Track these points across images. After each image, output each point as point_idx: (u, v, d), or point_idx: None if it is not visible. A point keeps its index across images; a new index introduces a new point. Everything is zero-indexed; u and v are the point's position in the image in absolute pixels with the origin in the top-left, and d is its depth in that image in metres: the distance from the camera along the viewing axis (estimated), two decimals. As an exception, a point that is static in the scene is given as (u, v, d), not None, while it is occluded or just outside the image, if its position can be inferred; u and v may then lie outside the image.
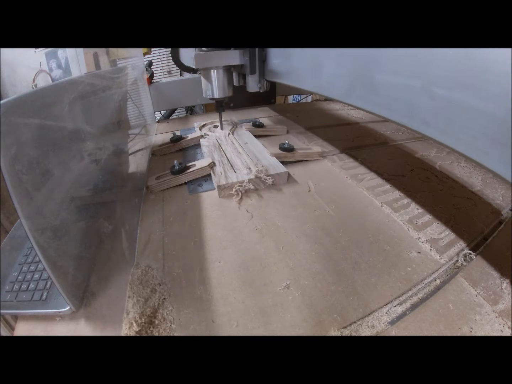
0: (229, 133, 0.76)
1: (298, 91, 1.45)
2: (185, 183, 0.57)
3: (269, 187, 0.55)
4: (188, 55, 0.95)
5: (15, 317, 0.34)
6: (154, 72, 1.05)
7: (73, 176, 0.36)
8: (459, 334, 0.29)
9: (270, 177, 0.53)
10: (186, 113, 1.90)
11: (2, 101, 0.23)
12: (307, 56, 0.49)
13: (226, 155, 0.64)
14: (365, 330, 0.30)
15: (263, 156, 0.61)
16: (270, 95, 1.15)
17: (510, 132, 0.21)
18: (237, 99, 1.05)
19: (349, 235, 0.43)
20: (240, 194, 0.52)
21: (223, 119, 0.86)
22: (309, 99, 1.81)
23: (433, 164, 0.66)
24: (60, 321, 0.32)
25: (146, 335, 0.29)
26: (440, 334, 0.29)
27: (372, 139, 0.80)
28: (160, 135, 0.88)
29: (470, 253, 0.39)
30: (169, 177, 0.55)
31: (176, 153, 0.72)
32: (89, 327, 0.31)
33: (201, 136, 0.75)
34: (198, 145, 0.74)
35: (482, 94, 0.23)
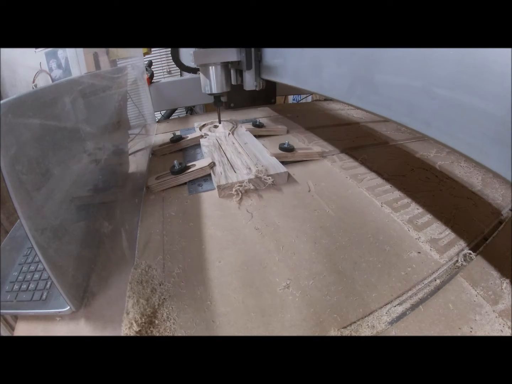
0: (229, 133, 0.76)
1: (298, 91, 1.45)
2: (185, 183, 0.57)
3: (269, 187, 0.55)
4: (188, 55, 0.95)
5: (15, 317, 0.34)
6: (154, 72, 1.05)
7: (73, 176, 0.36)
8: (459, 334, 0.29)
9: (270, 177, 0.53)
10: (186, 113, 1.90)
11: (2, 101, 0.23)
12: (301, 56, 0.50)
13: (226, 155, 0.64)
14: (365, 330, 0.30)
15: (263, 156, 0.61)
16: (270, 95, 1.15)
17: (510, 132, 0.21)
18: (237, 99, 1.05)
19: (349, 235, 0.43)
20: (240, 194, 0.52)
21: (223, 119, 0.86)
22: (309, 99, 1.81)
23: (433, 164, 0.66)
24: (60, 321, 0.32)
25: (146, 335, 0.29)
26: (440, 334, 0.29)
27: (372, 139, 0.80)
28: (160, 135, 0.88)
29: (470, 253, 0.39)
30: (169, 177, 0.55)
31: (176, 153, 0.72)
32: (89, 327, 0.31)
33: (201, 136, 0.75)
34: (198, 145, 0.74)
35: (482, 94, 0.23)
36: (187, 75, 1.03)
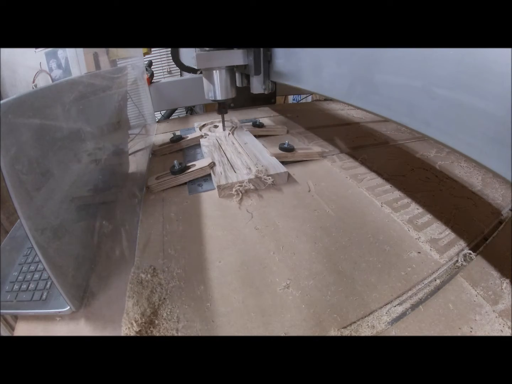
0: (229, 133, 0.76)
1: (298, 91, 1.45)
2: (185, 183, 0.57)
3: (269, 187, 0.55)
4: (188, 55, 0.95)
5: (15, 317, 0.34)
6: (154, 72, 1.05)
7: (73, 176, 0.36)
8: (459, 334, 0.29)
9: (270, 177, 0.53)
10: (186, 113, 1.90)
11: (2, 101, 0.23)
12: (320, 56, 0.45)
13: (226, 155, 0.64)
14: (365, 330, 0.30)
15: (263, 156, 0.61)
16: (270, 95, 1.15)
17: (510, 132, 0.21)
18: (237, 99, 1.05)
19: (349, 235, 0.43)
20: (240, 194, 0.52)
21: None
22: (309, 99, 1.81)
23: (433, 164, 0.66)
24: (60, 321, 0.32)
25: (146, 335, 0.29)
26: (440, 334, 0.29)
27: (372, 139, 0.80)
28: (160, 135, 0.88)
29: (470, 253, 0.39)
30: (169, 177, 0.55)
31: (176, 153, 0.72)
32: (89, 327, 0.31)
33: (201, 136, 0.75)
34: (198, 145, 0.74)
35: (482, 94, 0.23)
36: (187, 75, 1.03)
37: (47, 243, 0.28)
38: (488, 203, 0.52)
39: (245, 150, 0.65)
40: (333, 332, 0.29)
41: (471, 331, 0.29)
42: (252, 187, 0.53)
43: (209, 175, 0.58)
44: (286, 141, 0.65)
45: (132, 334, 0.28)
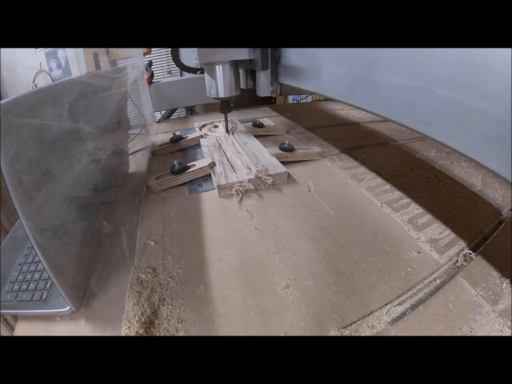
0: (229, 133, 0.76)
1: (298, 91, 1.45)
2: (185, 183, 0.57)
3: (269, 187, 0.55)
4: (188, 55, 0.95)
5: (15, 317, 0.34)
6: (154, 72, 1.05)
7: (73, 176, 0.36)
8: (459, 334, 0.29)
9: (270, 177, 0.53)
10: (186, 113, 1.90)
11: (2, 101, 0.23)
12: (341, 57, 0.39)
13: (226, 155, 0.64)
14: (365, 330, 0.30)
15: (263, 156, 0.61)
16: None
17: (510, 132, 0.21)
18: (237, 99, 1.05)
19: (349, 235, 0.43)
20: (240, 194, 0.52)
21: (223, 119, 0.86)
22: (309, 99, 1.81)
23: (433, 164, 0.66)
24: (60, 321, 0.32)
25: (146, 335, 0.29)
26: (440, 334, 0.29)
27: (372, 139, 0.80)
28: (160, 135, 0.88)
29: (470, 253, 0.39)
30: (169, 177, 0.55)
31: (176, 153, 0.72)
32: (89, 327, 0.31)
33: (201, 136, 0.75)
34: (198, 145, 0.74)
35: (482, 94, 0.23)
36: (187, 75, 1.03)
37: (47, 243, 0.28)
38: (488, 203, 0.52)
39: (245, 150, 0.65)
40: (333, 332, 0.29)
41: (471, 331, 0.29)
42: (252, 187, 0.53)
43: (209, 175, 0.58)
44: (286, 141, 0.65)
45: (132, 334, 0.28)
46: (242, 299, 0.33)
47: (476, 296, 0.33)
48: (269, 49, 0.55)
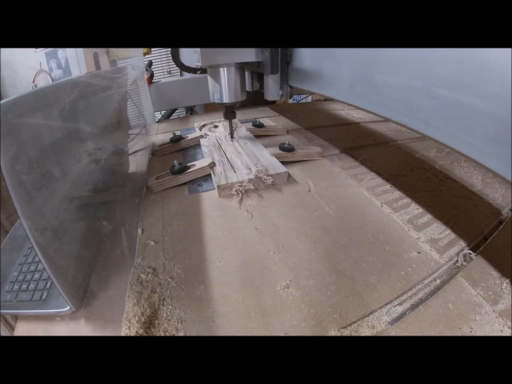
0: (229, 133, 0.76)
1: (298, 91, 1.45)
2: (185, 183, 0.57)
3: (269, 187, 0.55)
4: (188, 55, 0.95)
5: (15, 317, 0.34)
6: (154, 72, 1.05)
7: (73, 176, 0.36)
8: (459, 334, 0.29)
9: (270, 177, 0.53)
10: (186, 113, 1.90)
11: (2, 101, 0.23)
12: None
13: (226, 155, 0.64)
14: (365, 330, 0.30)
15: (263, 156, 0.61)
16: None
17: (510, 132, 0.21)
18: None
19: (349, 235, 0.43)
20: (240, 194, 0.52)
21: (222, 119, 0.86)
22: (309, 99, 1.81)
23: (433, 164, 0.66)
24: (60, 321, 0.32)
25: (146, 335, 0.29)
26: (440, 334, 0.29)
27: (372, 139, 0.80)
28: (160, 135, 0.88)
29: (470, 253, 0.39)
30: (169, 177, 0.55)
31: (176, 153, 0.72)
32: (89, 327, 0.31)
33: (201, 136, 0.75)
34: (198, 145, 0.74)
35: (482, 94, 0.23)
36: (187, 75, 1.03)
37: (47, 243, 0.28)
38: (488, 203, 0.52)
39: (245, 150, 0.65)
40: (333, 332, 0.29)
41: (471, 331, 0.29)
42: (252, 187, 0.53)
43: (209, 175, 0.58)
44: (286, 141, 0.65)
45: (132, 334, 0.28)
46: (242, 299, 0.33)
47: (476, 296, 0.33)
48: (279, 50, 0.50)
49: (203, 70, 0.93)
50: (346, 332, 0.30)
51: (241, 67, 0.56)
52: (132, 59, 0.83)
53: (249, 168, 0.56)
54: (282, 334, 0.30)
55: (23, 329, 0.32)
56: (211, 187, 0.55)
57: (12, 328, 0.38)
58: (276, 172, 0.55)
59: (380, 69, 0.33)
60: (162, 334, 0.29)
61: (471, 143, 0.25)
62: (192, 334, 0.30)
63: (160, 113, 1.35)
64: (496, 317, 0.31)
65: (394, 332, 0.30)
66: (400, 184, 0.56)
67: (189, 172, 0.56)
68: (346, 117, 1.01)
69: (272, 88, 0.55)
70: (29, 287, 0.34)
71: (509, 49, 0.20)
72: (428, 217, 0.47)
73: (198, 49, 0.49)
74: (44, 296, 0.33)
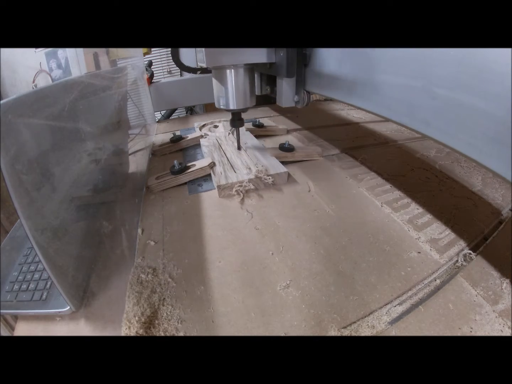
0: (229, 133, 0.76)
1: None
2: (185, 183, 0.57)
3: (269, 187, 0.55)
4: (188, 54, 0.94)
5: (15, 317, 0.34)
6: (154, 72, 1.05)
7: (73, 176, 0.36)
8: (459, 334, 0.29)
9: (270, 177, 0.53)
10: (186, 113, 1.90)
11: (2, 101, 0.23)
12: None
13: (226, 155, 0.64)
14: (365, 330, 0.30)
15: (263, 156, 0.61)
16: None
17: (510, 132, 0.21)
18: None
19: (349, 235, 0.43)
20: (240, 194, 0.52)
21: (222, 119, 0.86)
22: (309, 99, 1.80)
23: (433, 164, 0.66)
24: (60, 321, 0.32)
25: (146, 335, 0.29)
26: (440, 334, 0.29)
27: (372, 139, 0.80)
28: (160, 135, 0.88)
29: (470, 253, 0.39)
30: (169, 177, 0.55)
31: (176, 153, 0.72)
32: (89, 327, 0.31)
33: (201, 136, 0.75)
34: (198, 145, 0.74)
35: (482, 94, 0.23)
36: (187, 75, 1.03)
37: (47, 243, 0.28)
38: (488, 203, 0.52)
39: (245, 150, 0.65)
40: (333, 332, 0.29)
41: (471, 331, 0.29)
42: (252, 187, 0.53)
43: (209, 175, 0.58)
44: (286, 141, 0.65)
45: (132, 334, 0.28)
46: (242, 299, 0.33)
47: (476, 296, 0.33)
48: (296, 51, 0.44)
49: (203, 70, 0.93)
50: (346, 332, 0.30)
51: (251, 68, 0.50)
52: (132, 59, 0.83)
53: (249, 168, 0.56)
54: (282, 334, 0.30)
55: (23, 329, 0.32)
56: (211, 187, 0.55)
57: (12, 328, 0.38)
58: (276, 172, 0.55)
59: (380, 69, 0.33)
60: (162, 334, 0.29)
61: (471, 143, 0.25)
62: (192, 334, 0.30)
63: (160, 113, 1.35)
64: (496, 317, 0.31)
65: (394, 332, 0.30)
66: (400, 184, 0.56)
67: (189, 172, 0.56)
68: (346, 117, 1.01)
69: (286, 93, 0.49)
70: (29, 287, 0.34)
71: (509, 49, 0.20)
72: (428, 217, 0.47)
73: (203, 49, 0.44)
74: (44, 296, 0.33)
